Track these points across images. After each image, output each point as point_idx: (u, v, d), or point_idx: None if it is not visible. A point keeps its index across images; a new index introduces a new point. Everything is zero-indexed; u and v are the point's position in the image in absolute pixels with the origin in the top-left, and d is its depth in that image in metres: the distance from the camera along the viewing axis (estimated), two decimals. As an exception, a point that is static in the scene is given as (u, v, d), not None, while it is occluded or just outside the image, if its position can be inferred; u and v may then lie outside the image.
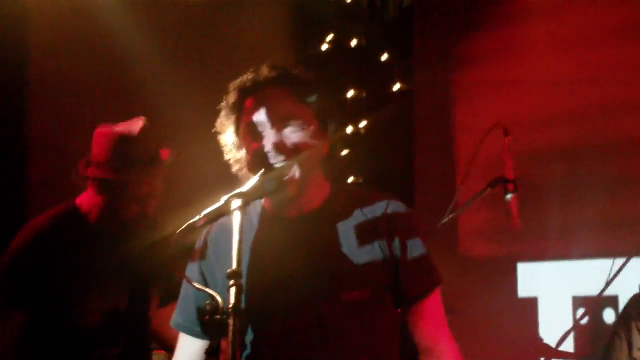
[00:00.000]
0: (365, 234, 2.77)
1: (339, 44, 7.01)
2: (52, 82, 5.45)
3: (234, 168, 2.83)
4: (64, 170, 4.03)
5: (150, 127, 3.89)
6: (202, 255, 2.82)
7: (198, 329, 2.79)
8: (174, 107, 5.38)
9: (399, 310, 2.84)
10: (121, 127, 3.86)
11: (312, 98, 2.76)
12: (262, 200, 2.83)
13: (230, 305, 2.28)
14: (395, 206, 2.83)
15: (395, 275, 2.76)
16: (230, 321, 2.25)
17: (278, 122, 2.70)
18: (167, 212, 3.94)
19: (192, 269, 2.83)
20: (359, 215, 2.80)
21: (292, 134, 2.70)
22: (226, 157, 2.85)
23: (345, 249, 2.75)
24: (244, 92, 2.77)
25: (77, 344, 3.81)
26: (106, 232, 3.89)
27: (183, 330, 2.88)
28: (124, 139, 3.83)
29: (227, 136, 2.82)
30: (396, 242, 2.78)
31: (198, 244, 2.85)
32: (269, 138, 2.69)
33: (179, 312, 2.90)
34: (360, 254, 2.75)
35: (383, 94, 6.87)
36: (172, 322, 2.91)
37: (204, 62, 5.98)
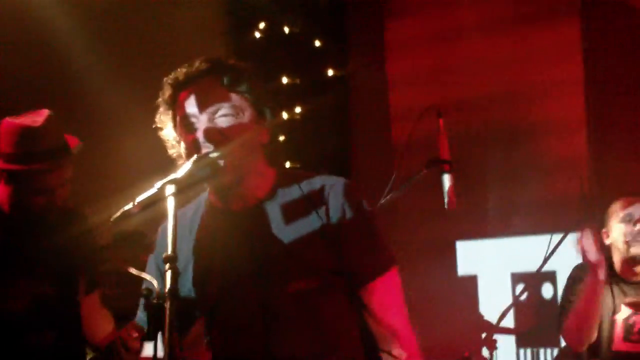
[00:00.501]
0: (309, 217, 2.76)
1: (272, 32, 7.00)
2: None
3: (178, 162, 2.81)
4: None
5: (54, 118, 3.88)
6: (156, 247, 2.85)
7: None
8: (103, 98, 5.33)
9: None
10: (24, 120, 3.85)
11: (244, 86, 2.76)
12: (208, 195, 2.83)
13: (167, 289, 2.28)
14: (346, 187, 2.80)
15: (341, 258, 2.74)
16: (167, 304, 2.25)
17: (209, 112, 2.71)
18: (95, 201, 3.94)
19: (149, 262, 2.86)
20: (302, 199, 2.79)
21: (223, 122, 2.70)
22: (169, 152, 2.84)
23: (290, 238, 2.74)
24: (177, 86, 2.77)
25: (9, 329, 3.80)
26: (20, 220, 3.89)
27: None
28: (27, 131, 3.82)
29: (167, 131, 2.82)
30: (340, 221, 2.75)
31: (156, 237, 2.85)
32: (201, 127, 2.69)
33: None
34: (306, 240, 2.74)
35: (318, 80, 6.89)
36: (137, 319, 2.91)
37: (135, 53, 5.95)
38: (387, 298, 2.82)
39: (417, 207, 6.43)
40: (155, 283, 2.43)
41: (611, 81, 6.06)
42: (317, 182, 2.80)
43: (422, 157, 4.37)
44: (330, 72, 6.91)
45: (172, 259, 2.32)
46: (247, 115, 2.76)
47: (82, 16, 5.67)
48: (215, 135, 2.68)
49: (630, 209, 4.68)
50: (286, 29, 6.98)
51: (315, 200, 2.77)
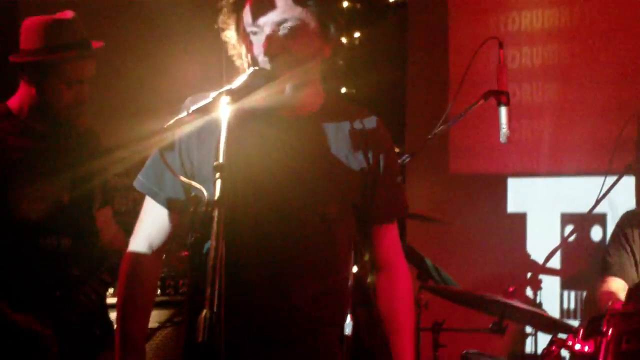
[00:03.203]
0: (350, 146, 2.82)
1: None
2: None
3: (238, 63, 2.83)
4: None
5: (78, 17, 3.94)
6: (184, 146, 2.81)
7: (164, 195, 2.83)
8: (159, 9, 5.29)
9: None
10: (50, 16, 3.91)
11: (312, 1, 2.73)
12: (257, 103, 2.80)
13: (216, 198, 2.27)
14: (384, 128, 2.92)
15: (368, 194, 2.85)
16: (215, 213, 2.24)
17: (274, 22, 2.69)
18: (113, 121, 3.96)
19: (172, 158, 2.81)
20: (350, 127, 2.84)
21: (287, 33, 2.70)
22: (230, 53, 2.84)
23: (330, 160, 2.79)
24: None
25: (28, 231, 3.84)
26: (41, 126, 3.93)
27: (150, 193, 2.86)
28: (54, 24, 3.87)
29: (229, 34, 2.81)
30: (381, 162, 2.87)
31: (179, 135, 2.80)
32: (263, 36, 2.68)
33: (149, 176, 2.87)
34: (343, 166, 2.80)
35: (378, 6, 6.80)
36: (137, 183, 2.89)
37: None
38: (396, 237, 3.01)
39: (469, 140, 6.38)
40: (205, 192, 2.40)
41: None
42: (369, 123, 2.88)
43: (477, 90, 4.31)
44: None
45: (223, 168, 2.30)
46: (311, 29, 2.75)
47: None
48: (276, 47, 2.68)
49: None
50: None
51: (366, 142, 2.84)
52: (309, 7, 2.72)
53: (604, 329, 3.66)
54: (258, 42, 2.70)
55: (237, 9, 2.76)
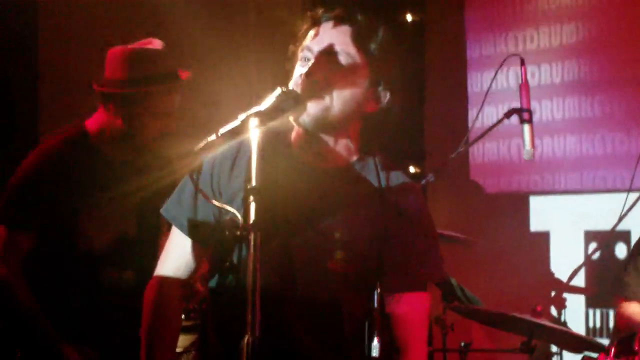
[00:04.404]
0: (377, 206, 2.71)
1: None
2: (63, 6, 5.38)
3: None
4: (74, 97, 3.98)
5: (166, 48, 3.84)
6: (216, 170, 2.76)
7: (189, 225, 2.78)
8: (188, 30, 5.30)
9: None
10: (138, 45, 3.82)
11: (370, 44, 2.67)
12: (289, 142, 2.77)
13: (251, 221, 2.24)
14: (414, 191, 2.80)
15: (385, 258, 2.70)
16: (252, 237, 2.21)
17: (325, 52, 2.66)
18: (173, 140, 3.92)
19: (203, 183, 2.75)
20: (376, 189, 2.73)
21: (332, 67, 2.65)
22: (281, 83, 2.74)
23: (354, 218, 2.70)
24: (311, 22, 2.74)
25: (88, 267, 3.78)
26: (119, 155, 3.85)
27: (177, 223, 2.82)
28: (141, 54, 3.78)
29: (291, 62, 2.76)
30: (401, 227, 2.72)
31: (209, 159, 2.74)
32: (309, 62, 2.65)
33: (176, 206, 2.82)
34: (366, 228, 2.70)
35: (394, 25, 6.78)
36: (164, 211, 2.85)
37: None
38: (418, 312, 2.80)
39: (490, 158, 6.36)
40: (239, 215, 2.37)
41: None
42: (394, 176, 2.76)
43: (497, 107, 4.30)
44: (408, 17, 6.79)
45: (258, 191, 2.28)
46: (360, 75, 2.69)
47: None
48: (316, 74, 2.63)
49: None
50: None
51: (385, 194, 2.72)
52: (367, 53, 2.67)
53: (637, 348, 3.62)
54: (303, 67, 2.67)
55: (301, 37, 2.74)
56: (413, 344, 2.79)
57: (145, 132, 3.79)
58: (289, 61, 2.77)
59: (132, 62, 3.77)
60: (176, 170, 3.07)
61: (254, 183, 2.30)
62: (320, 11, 2.74)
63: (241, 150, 2.72)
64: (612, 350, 3.72)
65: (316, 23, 2.72)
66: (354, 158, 2.77)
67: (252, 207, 2.26)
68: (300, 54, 2.70)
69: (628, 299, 4.58)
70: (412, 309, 2.77)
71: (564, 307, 5.72)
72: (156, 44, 3.82)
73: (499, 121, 4.24)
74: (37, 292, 3.75)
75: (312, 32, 2.71)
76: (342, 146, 2.75)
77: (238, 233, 2.31)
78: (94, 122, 3.86)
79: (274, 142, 2.66)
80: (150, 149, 3.84)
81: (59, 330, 3.73)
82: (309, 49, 2.67)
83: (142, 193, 3.86)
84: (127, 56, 3.78)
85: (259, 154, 2.38)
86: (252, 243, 2.21)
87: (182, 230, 2.81)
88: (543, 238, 6.30)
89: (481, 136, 4.43)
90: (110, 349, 3.81)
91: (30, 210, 3.73)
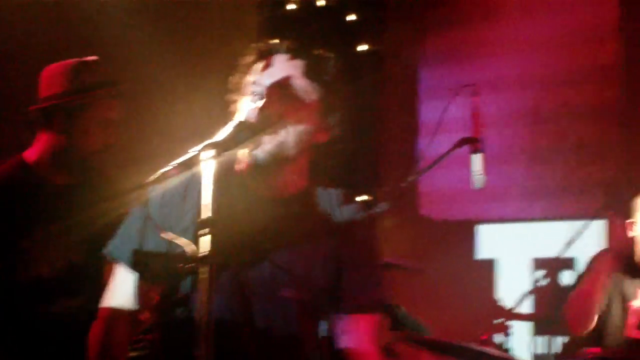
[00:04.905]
0: (326, 233, 2.75)
1: (306, 4, 6.91)
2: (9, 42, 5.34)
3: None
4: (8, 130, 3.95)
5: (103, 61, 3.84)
6: (166, 201, 2.76)
7: (135, 264, 2.75)
8: (140, 67, 5.30)
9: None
10: (73, 59, 3.81)
11: (321, 80, 2.70)
12: (237, 172, 2.77)
13: (205, 254, 2.24)
14: (363, 216, 2.81)
15: (336, 283, 2.73)
16: (205, 269, 2.22)
17: (277, 86, 2.67)
18: (123, 167, 3.89)
19: (153, 214, 2.74)
20: (325, 215, 2.77)
21: (286, 101, 2.66)
22: (230, 114, 2.78)
23: (304, 247, 2.72)
24: (259, 54, 2.74)
25: (35, 296, 3.73)
26: (59, 179, 3.80)
27: (123, 263, 2.80)
28: (80, 65, 3.76)
29: (235, 93, 2.77)
30: (351, 252, 2.75)
31: (156, 191, 2.74)
32: (261, 96, 2.65)
33: (122, 244, 2.81)
34: (316, 256, 2.72)
35: (351, 55, 6.82)
36: (111, 252, 2.84)
37: (171, 21, 5.88)
38: (367, 333, 2.81)
39: (439, 187, 6.42)
40: (192, 247, 2.36)
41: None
42: (347, 212, 2.78)
43: (448, 136, 4.33)
44: (363, 47, 6.84)
45: (212, 223, 2.28)
46: (311, 108, 2.71)
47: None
48: (270, 109, 2.64)
49: None
50: (321, 2, 6.88)
51: (333, 221, 2.76)
52: (317, 86, 2.70)
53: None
54: (255, 100, 2.66)
55: (246, 70, 2.74)
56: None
57: (90, 143, 3.74)
58: (235, 92, 2.77)
59: (71, 74, 3.74)
60: (127, 201, 3.03)
61: (209, 214, 2.30)
62: (270, 43, 2.76)
63: (192, 183, 2.70)
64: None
65: (265, 55, 2.73)
66: (305, 187, 2.79)
67: (207, 239, 2.26)
68: (250, 86, 2.70)
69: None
70: (362, 331, 2.79)
71: (509, 334, 5.77)
72: (92, 57, 3.81)
73: (450, 150, 4.28)
74: None
75: (261, 64, 2.71)
76: (293, 176, 2.76)
77: (191, 266, 2.30)
78: (32, 151, 3.79)
79: (223, 173, 2.66)
80: (95, 163, 3.80)
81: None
82: (260, 82, 2.68)
83: (88, 220, 3.82)
84: (65, 70, 3.75)
85: (214, 186, 2.39)
86: (205, 276, 2.20)
87: (128, 269, 2.79)
88: (489, 266, 6.36)
89: (432, 165, 4.46)
90: None
91: None
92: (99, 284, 3.81)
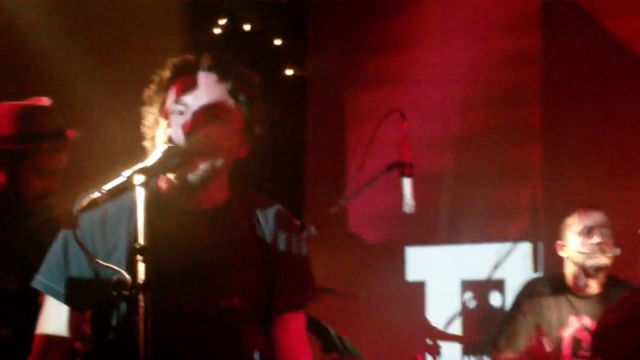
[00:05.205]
0: (254, 239, 2.78)
1: (232, 29, 6.93)
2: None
3: (147, 144, 2.76)
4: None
5: (55, 105, 3.78)
6: (91, 228, 2.72)
7: (64, 293, 2.73)
8: (71, 86, 5.25)
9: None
10: (25, 102, 3.75)
11: (245, 97, 2.71)
12: (157, 185, 2.74)
13: (141, 281, 2.23)
14: (285, 215, 2.85)
15: (270, 285, 2.77)
16: (141, 296, 2.20)
17: (204, 108, 2.65)
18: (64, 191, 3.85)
19: (82, 240, 2.66)
20: (251, 221, 2.80)
21: (213, 124, 2.65)
22: (143, 129, 2.77)
23: (232, 253, 2.74)
24: (179, 70, 2.72)
25: None
26: (3, 211, 3.76)
27: (52, 293, 2.76)
28: (28, 111, 3.72)
29: (151, 110, 2.74)
30: (280, 253, 2.79)
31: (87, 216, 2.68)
32: (188, 118, 2.63)
33: (48, 274, 2.77)
34: (246, 259, 2.75)
35: (275, 79, 6.84)
36: (37, 284, 2.80)
37: (99, 45, 5.84)
38: (302, 329, 2.87)
39: (368, 210, 6.44)
40: (126, 275, 2.33)
41: (569, 91, 6.11)
42: (269, 214, 2.82)
43: (377, 159, 4.36)
44: (289, 72, 6.86)
45: (146, 250, 2.26)
46: (236, 125, 2.72)
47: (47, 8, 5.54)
48: (198, 130, 2.62)
49: (587, 222, 4.70)
50: (247, 26, 6.91)
51: (260, 225, 2.79)
52: (241, 103, 2.70)
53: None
54: (180, 121, 2.64)
55: (167, 85, 2.71)
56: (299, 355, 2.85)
57: (29, 191, 3.71)
58: (149, 106, 2.75)
59: (19, 119, 3.70)
60: (59, 227, 3.01)
61: (141, 242, 2.29)
62: (192, 59, 2.73)
63: (123, 208, 2.69)
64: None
65: (187, 71, 2.71)
66: (228, 197, 2.79)
67: (142, 266, 2.24)
68: (173, 106, 2.67)
69: (501, 350, 4.72)
70: (295, 327, 2.85)
71: (439, 354, 5.81)
72: (44, 101, 3.76)
73: (380, 174, 4.32)
74: None
75: (182, 81, 2.69)
76: (215, 189, 2.75)
77: (127, 293, 2.28)
78: None
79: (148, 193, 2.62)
80: (34, 208, 3.76)
81: None
82: (185, 103, 2.65)
83: (24, 246, 3.78)
84: (14, 112, 3.71)
85: (144, 211, 2.37)
86: (143, 303, 2.18)
87: (58, 299, 2.75)
88: (419, 287, 6.40)
89: (361, 189, 4.49)
90: None
91: None
92: (33, 312, 3.80)
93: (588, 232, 4.67)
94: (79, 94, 5.18)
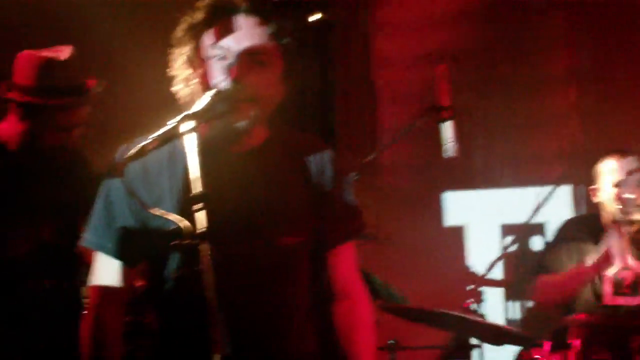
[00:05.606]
0: (298, 174, 2.74)
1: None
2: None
3: (178, 87, 2.69)
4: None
5: (77, 56, 3.73)
6: (143, 176, 2.66)
7: (113, 248, 2.68)
8: (115, 35, 5.17)
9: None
10: (48, 53, 3.69)
11: (285, 38, 2.65)
12: (200, 131, 2.68)
13: (203, 229, 2.18)
14: (327, 151, 2.81)
15: (321, 219, 2.74)
16: (204, 246, 2.14)
17: (247, 52, 2.58)
18: (92, 145, 3.82)
19: (113, 187, 2.69)
20: (295, 157, 2.76)
21: (258, 68, 2.59)
22: (173, 72, 2.70)
23: (281, 190, 2.69)
24: (214, 13, 2.63)
25: (6, 274, 3.66)
26: (27, 160, 3.74)
27: (101, 249, 2.71)
28: (50, 64, 3.67)
29: (183, 51, 2.66)
30: (327, 184, 2.76)
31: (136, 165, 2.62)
32: (232, 63, 2.56)
33: (94, 231, 2.72)
34: (295, 195, 2.71)
35: (301, 24, 6.74)
36: (85, 242, 2.74)
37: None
38: (354, 259, 2.87)
39: (403, 156, 6.37)
40: (184, 223, 2.26)
41: (603, 36, 5.99)
42: (313, 150, 2.79)
43: (407, 106, 4.30)
44: (314, 17, 6.75)
45: (205, 198, 2.20)
46: (277, 70, 2.67)
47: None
48: (244, 77, 2.55)
49: (621, 172, 4.60)
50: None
51: (304, 158, 2.76)
52: (281, 47, 2.65)
53: (570, 342, 3.64)
54: (222, 67, 2.57)
55: (203, 27, 2.63)
56: (357, 285, 2.86)
57: (42, 145, 3.71)
58: (183, 50, 2.67)
59: (39, 71, 3.67)
60: (99, 177, 2.97)
61: (199, 188, 2.23)
62: (227, 2, 2.65)
63: (173, 156, 2.63)
64: (546, 345, 3.74)
65: (223, 14, 2.63)
66: (267, 135, 2.75)
67: (202, 214, 2.18)
68: (211, 50, 2.60)
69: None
70: (348, 258, 2.85)
71: (482, 300, 5.76)
72: (66, 52, 3.70)
73: (418, 119, 4.25)
74: None
75: (220, 25, 2.61)
76: (257, 129, 2.71)
77: (187, 243, 2.21)
78: (4, 127, 3.75)
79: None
80: (52, 155, 3.74)
81: None
82: (227, 47, 2.58)
83: (58, 197, 3.76)
84: (34, 64, 3.68)
85: (199, 157, 2.32)
86: (207, 252, 2.12)
87: (108, 254, 2.70)
88: (458, 233, 6.34)
89: (398, 136, 4.43)
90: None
91: None
92: (72, 264, 3.79)
93: (622, 184, 4.58)
94: (119, 41, 5.11)
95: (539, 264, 4.82)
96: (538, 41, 6.18)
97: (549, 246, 4.88)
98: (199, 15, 2.64)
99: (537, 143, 6.07)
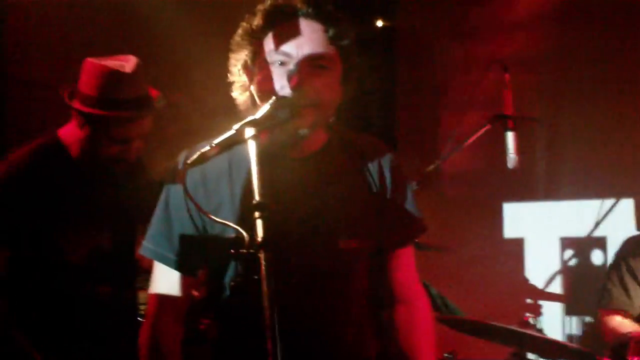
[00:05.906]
0: (358, 177, 2.72)
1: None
2: (34, 14, 5.23)
3: (236, 92, 2.68)
4: (45, 106, 3.86)
5: (142, 66, 3.70)
6: (203, 183, 2.66)
7: (178, 259, 2.67)
8: (164, 46, 5.18)
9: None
10: (113, 63, 3.67)
11: (345, 42, 2.61)
12: (260, 138, 2.66)
13: (260, 239, 2.15)
14: (388, 153, 2.79)
15: (382, 222, 2.72)
16: (262, 255, 2.12)
17: (308, 58, 2.55)
18: (152, 152, 3.82)
19: (172, 196, 2.69)
20: (355, 160, 2.74)
21: (319, 73, 2.56)
22: (231, 78, 2.69)
23: (341, 195, 2.67)
24: (274, 17, 2.60)
25: (64, 281, 3.66)
26: (88, 167, 3.73)
27: (160, 259, 2.70)
28: (114, 76, 3.62)
29: (240, 57, 2.64)
30: (388, 188, 2.74)
31: (196, 172, 2.64)
32: (293, 69, 2.53)
33: (153, 239, 2.72)
34: (355, 199, 2.69)
35: (364, 31, 6.71)
36: (144, 250, 2.74)
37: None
38: (412, 263, 2.88)
39: (461, 167, 6.32)
40: (244, 233, 2.23)
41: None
42: (372, 153, 2.77)
43: (469, 113, 4.25)
44: (378, 23, 6.72)
45: (264, 207, 2.18)
46: (338, 74, 2.63)
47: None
48: (305, 84, 2.53)
49: None
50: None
51: (364, 160, 2.75)
52: (342, 51, 2.61)
53: (629, 358, 3.57)
54: (283, 73, 2.55)
55: (261, 33, 2.61)
56: (416, 289, 2.89)
57: (101, 156, 3.69)
58: (241, 55, 2.65)
59: (101, 81, 3.63)
60: (159, 183, 2.96)
61: (259, 197, 2.20)
62: (287, 6, 2.61)
63: (211, 166, 2.60)
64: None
65: (283, 18, 2.60)
66: (326, 139, 2.73)
67: (260, 223, 2.16)
68: (272, 55, 2.57)
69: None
70: (407, 262, 2.86)
71: (540, 314, 5.68)
72: (131, 63, 3.68)
73: (482, 127, 4.21)
74: (12, 308, 3.63)
75: (280, 29, 2.58)
76: (317, 134, 2.69)
77: (246, 251, 2.19)
78: (67, 130, 3.75)
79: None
80: (110, 166, 3.73)
81: (35, 347, 3.59)
82: (288, 53, 2.55)
83: (117, 204, 3.76)
84: (98, 73, 3.64)
85: (258, 165, 2.29)
86: (266, 262, 2.12)
87: (166, 264, 2.70)
88: (517, 245, 6.26)
89: (460, 145, 4.38)
90: None
91: (2, 225, 3.60)
92: (130, 269, 3.79)
93: None
94: (183, 46, 5.12)
95: (604, 291, 4.70)
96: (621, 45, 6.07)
97: (610, 266, 4.77)
98: (257, 20, 2.62)
99: (600, 155, 5.96)
